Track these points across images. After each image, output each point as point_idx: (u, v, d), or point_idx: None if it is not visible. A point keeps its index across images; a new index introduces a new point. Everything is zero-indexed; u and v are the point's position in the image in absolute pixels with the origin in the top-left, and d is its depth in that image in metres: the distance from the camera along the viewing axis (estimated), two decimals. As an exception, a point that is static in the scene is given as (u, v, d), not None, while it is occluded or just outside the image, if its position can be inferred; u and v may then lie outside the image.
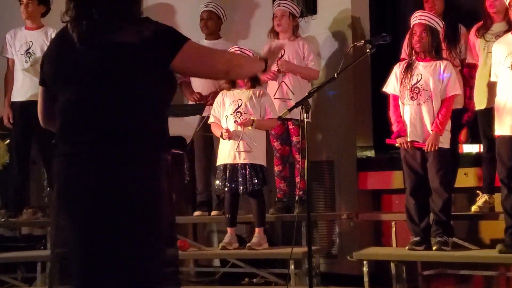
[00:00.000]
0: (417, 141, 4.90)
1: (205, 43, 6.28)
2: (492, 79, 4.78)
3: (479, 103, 5.08)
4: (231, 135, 5.32)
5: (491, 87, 4.85)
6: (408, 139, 4.91)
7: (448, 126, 4.92)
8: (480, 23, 5.18)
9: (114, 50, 2.49)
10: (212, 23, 6.28)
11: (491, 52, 4.88)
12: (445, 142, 4.89)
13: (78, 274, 2.48)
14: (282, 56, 5.85)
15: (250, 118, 5.32)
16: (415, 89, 4.92)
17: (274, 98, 5.66)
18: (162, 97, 2.58)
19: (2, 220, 6.07)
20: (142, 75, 2.50)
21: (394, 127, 5.00)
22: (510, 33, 4.78)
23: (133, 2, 2.62)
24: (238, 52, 5.41)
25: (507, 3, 4.75)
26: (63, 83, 2.57)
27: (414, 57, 4.99)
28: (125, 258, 2.46)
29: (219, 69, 2.61)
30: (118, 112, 2.49)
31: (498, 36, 4.94)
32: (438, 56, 4.95)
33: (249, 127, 5.30)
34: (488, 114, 4.92)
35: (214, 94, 5.90)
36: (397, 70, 5.05)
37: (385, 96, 5.23)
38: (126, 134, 2.49)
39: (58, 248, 2.57)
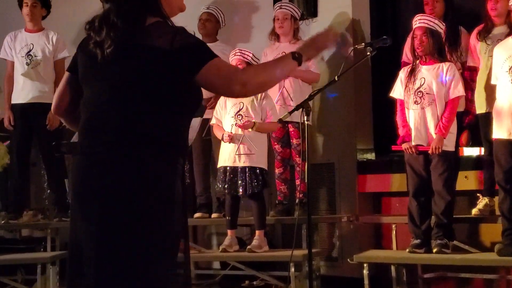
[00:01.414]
0: (422, 145, 4.90)
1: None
2: (493, 82, 4.79)
3: (480, 107, 5.09)
4: (232, 138, 5.32)
5: (492, 90, 4.86)
6: (413, 143, 4.91)
7: (453, 128, 4.92)
8: (481, 26, 5.18)
9: (145, 53, 2.51)
10: (210, 25, 6.28)
11: (492, 56, 4.89)
12: (450, 144, 4.90)
13: (90, 274, 2.48)
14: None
15: (251, 121, 5.32)
16: (419, 93, 4.92)
17: (276, 103, 5.65)
18: (185, 105, 2.58)
19: (3, 222, 6.07)
20: (169, 81, 2.51)
21: (400, 132, 5.00)
22: (510, 37, 4.79)
23: (156, 7, 2.62)
24: (239, 54, 5.42)
25: (511, 4, 4.75)
26: (91, 80, 2.59)
27: (417, 61, 4.99)
28: (137, 260, 2.46)
29: (238, 91, 2.57)
30: (140, 115, 2.50)
31: (499, 39, 4.94)
32: (441, 58, 4.95)
33: (250, 130, 5.31)
34: (489, 117, 4.93)
35: (215, 97, 5.91)
36: (402, 74, 5.06)
37: (386, 99, 5.24)
38: (146, 138, 2.49)
39: (73, 247, 2.57)
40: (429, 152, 4.85)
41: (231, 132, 5.36)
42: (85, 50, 2.63)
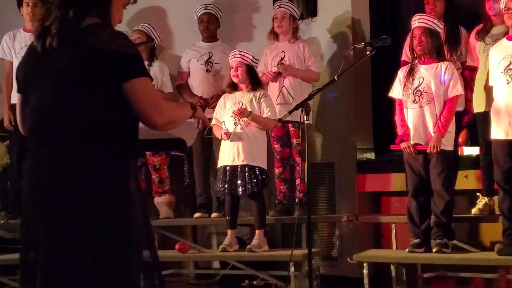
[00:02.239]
0: (420, 144, 4.90)
1: (204, 45, 6.29)
2: (490, 83, 4.81)
3: (478, 106, 5.09)
4: (229, 135, 5.33)
5: (489, 91, 4.86)
6: (412, 142, 4.91)
7: (452, 128, 4.92)
8: (480, 25, 5.18)
9: (83, 53, 2.49)
10: (213, 26, 6.28)
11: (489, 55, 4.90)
12: (448, 144, 4.90)
13: (45, 279, 2.49)
14: (282, 59, 5.86)
15: (247, 110, 5.32)
16: (417, 92, 4.92)
17: (276, 103, 5.66)
18: (128, 106, 2.55)
19: (2, 222, 6.07)
20: (108, 82, 2.50)
21: (399, 131, 5.01)
22: (505, 38, 4.79)
23: (105, 9, 2.61)
24: (238, 56, 5.41)
25: (502, 6, 4.76)
26: (33, 86, 2.58)
27: (416, 61, 4.99)
28: (91, 262, 2.46)
29: (156, 120, 2.57)
30: (85, 116, 2.49)
31: (498, 39, 4.95)
32: (440, 58, 4.95)
33: (245, 118, 5.31)
34: (487, 117, 4.93)
35: (217, 97, 5.91)
36: (401, 74, 5.06)
37: (386, 99, 5.24)
38: (93, 139, 2.49)
39: (26, 252, 2.57)
40: (428, 151, 4.85)
41: (227, 129, 5.36)
42: (24, 60, 2.63)
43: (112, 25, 2.62)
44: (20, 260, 2.59)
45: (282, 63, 5.81)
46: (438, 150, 4.81)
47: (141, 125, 2.64)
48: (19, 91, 2.71)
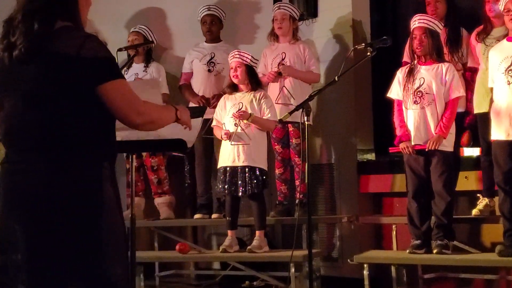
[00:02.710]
0: (420, 145, 4.90)
1: (207, 46, 6.29)
2: (490, 85, 4.81)
3: (479, 107, 5.09)
4: (229, 136, 5.33)
5: (489, 92, 4.86)
6: (412, 143, 4.90)
7: (452, 129, 4.92)
8: (480, 27, 5.18)
9: (51, 61, 2.48)
10: (216, 27, 6.28)
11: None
12: (448, 145, 4.90)
13: (23, 283, 2.49)
14: (283, 60, 5.86)
15: (248, 112, 5.32)
16: (418, 93, 4.92)
17: (276, 103, 5.66)
18: (102, 109, 2.55)
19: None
20: (80, 88, 2.49)
21: (397, 132, 5.00)
22: (505, 39, 4.79)
23: (72, 10, 2.59)
24: (237, 56, 5.41)
25: (501, 8, 4.76)
26: (6, 93, 2.58)
27: (415, 61, 4.99)
28: (67, 267, 2.47)
29: (135, 120, 2.58)
30: (56, 122, 2.48)
31: (498, 40, 4.95)
32: (439, 59, 4.95)
33: (245, 121, 5.31)
34: (488, 118, 4.93)
35: (218, 97, 5.92)
36: (400, 75, 5.05)
37: (386, 99, 5.23)
38: (64, 144, 2.49)
39: (3, 255, 2.57)
40: (426, 149, 4.84)
41: (228, 130, 5.36)
42: None
43: (82, 26, 2.60)
44: None
45: (283, 64, 5.81)
46: (437, 147, 4.81)
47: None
48: None
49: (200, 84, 6.20)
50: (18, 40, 2.52)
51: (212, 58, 6.20)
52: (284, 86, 5.79)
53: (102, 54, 2.52)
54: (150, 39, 6.27)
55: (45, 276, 2.48)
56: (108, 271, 2.51)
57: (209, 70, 6.20)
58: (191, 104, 6.10)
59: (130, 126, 2.61)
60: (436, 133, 4.84)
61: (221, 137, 5.41)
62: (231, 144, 5.35)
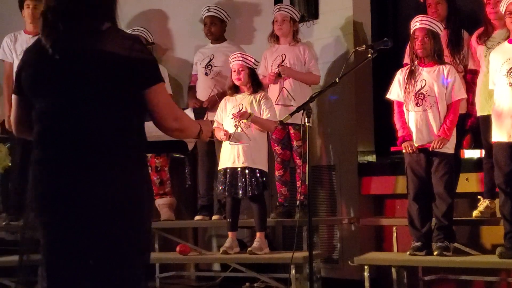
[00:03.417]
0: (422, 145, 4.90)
1: (210, 47, 6.29)
2: (490, 87, 4.81)
3: (481, 109, 5.09)
4: (229, 135, 5.33)
5: (491, 94, 4.86)
6: (415, 145, 4.90)
7: (454, 131, 4.92)
8: (481, 29, 5.18)
9: (100, 58, 2.50)
10: (216, 28, 6.28)
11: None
12: (450, 147, 4.90)
13: (56, 280, 2.55)
14: (283, 61, 5.86)
15: (247, 111, 5.32)
16: (420, 95, 4.92)
17: (276, 104, 5.66)
18: (141, 108, 2.59)
19: (4, 223, 6.07)
20: (127, 88, 2.52)
21: (400, 133, 5.00)
22: (506, 41, 4.79)
23: (115, 12, 2.63)
24: (241, 59, 5.42)
25: (502, 11, 4.76)
26: (42, 90, 2.57)
27: (416, 63, 4.99)
28: (103, 263, 2.50)
29: (171, 124, 2.64)
30: (98, 120, 2.50)
31: (499, 42, 4.94)
32: (440, 60, 4.95)
33: (245, 120, 5.31)
34: (490, 120, 4.93)
35: (210, 99, 5.94)
36: (400, 76, 5.05)
37: (387, 101, 5.23)
38: (106, 141, 2.50)
39: (33, 254, 2.59)
40: (430, 148, 4.84)
41: (227, 130, 5.37)
42: (27, 68, 2.62)
43: (117, 22, 2.63)
44: (19, 262, 2.61)
45: (282, 65, 5.81)
46: (441, 147, 4.80)
47: (148, 126, 2.66)
48: (18, 93, 2.70)
49: (199, 87, 6.23)
50: (66, 38, 2.52)
51: (210, 60, 6.21)
52: (284, 87, 5.80)
53: (150, 57, 2.59)
54: (150, 41, 6.27)
55: (80, 276, 2.51)
56: (138, 274, 2.55)
57: (205, 74, 6.20)
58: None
59: (164, 130, 2.66)
60: (439, 135, 4.83)
61: (220, 138, 5.40)
62: (230, 144, 5.35)
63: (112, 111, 2.51)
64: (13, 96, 2.73)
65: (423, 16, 5.03)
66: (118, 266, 2.50)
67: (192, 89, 6.32)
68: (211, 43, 6.32)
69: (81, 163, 2.48)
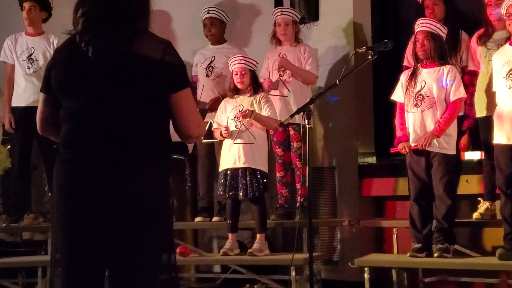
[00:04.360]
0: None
1: (210, 48, 6.29)
2: (494, 88, 4.81)
3: (480, 111, 5.09)
4: (230, 132, 5.33)
5: (492, 95, 4.86)
6: (412, 145, 4.90)
7: (454, 131, 4.92)
8: (481, 30, 5.17)
9: (133, 60, 2.52)
10: (216, 29, 6.27)
11: (492, 60, 4.90)
12: (450, 148, 4.89)
13: (82, 278, 2.53)
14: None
15: (249, 109, 5.32)
16: (419, 96, 4.92)
17: (270, 94, 5.66)
18: (167, 109, 2.61)
19: (4, 225, 6.07)
20: (157, 90, 2.55)
21: (398, 134, 5.00)
22: (508, 43, 4.79)
23: (146, 17, 2.66)
24: (243, 62, 5.42)
25: (503, 12, 4.76)
26: (73, 90, 2.58)
27: (418, 65, 4.99)
28: (134, 260, 2.52)
29: (194, 131, 2.66)
30: (128, 121, 2.52)
31: (499, 44, 4.95)
32: (442, 62, 4.95)
33: (247, 118, 5.31)
34: (489, 121, 4.93)
35: (214, 100, 5.93)
36: (403, 78, 5.06)
37: (387, 103, 5.24)
38: (135, 142, 2.52)
39: (59, 253, 2.59)
40: (419, 146, 4.83)
41: (227, 126, 5.36)
42: (57, 67, 2.63)
43: (151, 30, 2.66)
44: (52, 260, 2.63)
45: (281, 57, 5.79)
46: (428, 146, 4.79)
47: None
48: (46, 91, 2.70)
49: (200, 88, 6.21)
50: (100, 39, 2.54)
51: (211, 62, 6.20)
52: (279, 78, 5.79)
53: (180, 61, 2.62)
54: None
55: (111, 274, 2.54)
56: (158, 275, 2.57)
57: (207, 75, 6.20)
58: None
59: (186, 136, 2.67)
60: (432, 131, 4.82)
61: (221, 135, 5.39)
62: (233, 142, 5.34)
63: (142, 113, 2.54)
64: (41, 95, 2.74)
65: (425, 19, 5.04)
66: (144, 267, 2.53)
67: (192, 90, 6.32)
68: (211, 44, 6.32)
69: (111, 164, 2.50)
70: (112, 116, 2.51)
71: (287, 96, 5.75)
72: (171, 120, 2.62)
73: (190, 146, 2.94)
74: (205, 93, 6.14)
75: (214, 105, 5.87)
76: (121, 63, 2.52)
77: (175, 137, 2.92)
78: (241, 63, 5.43)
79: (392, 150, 5.12)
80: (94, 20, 2.57)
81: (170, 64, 2.55)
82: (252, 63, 5.45)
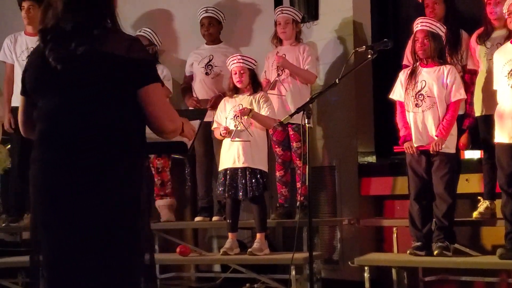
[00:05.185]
0: (422, 146, 4.90)
1: (207, 48, 6.29)
2: (494, 87, 4.81)
3: (479, 110, 5.09)
4: (229, 131, 5.32)
5: (491, 94, 4.86)
6: (415, 145, 4.90)
7: (454, 130, 4.92)
8: (481, 29, 5.17)
9: (102, 60, 2.52)
10: (214, 29, 6.27)
11: (491, 59, 4.91)
12: (451, 147, 4.89)
13: (55, 280, 2.54)
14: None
15: (248, 107, 5.32)
16: (420, 96, 4.92)
17: (270, 93, 5.67)
18: (138, 108, 2.60)
19: (3, 225, 6.07)
20: (126, 88, 2.54)
21: (401, 133, 4.99)
22: (509, 41, 4.79)
23: (114, 12, 2.65)
24: (241, 61, 5.42)
25: (505, 10, 4.76)
26: (45, 90, 2.59)
27: (417, 64, 4.99)
28: (102, 263, 2.50)
29: (167, 126, 2.64)
30: (98, 120, 2.52)
31: (499, 43, 4.95)
32: (442, 61, 4.95)
33: (246, 117, 5.31)
34: (488, 120, 4.93)
35: (216, 97, 5.93)
36: (402, 77, 5.05)
37: (387, 102, 5.24)
38: (106, 141, 2.51)
39: (37, 253, 2.60)
40: (430, 150, 4.84)
41: (227, 126, 5.36)
42: (34, 63, 2.64)
43: (118, 23, 2.65)
44: (30, 263, 2.62)
45: (280, 56, 5.79)
46: (440, 149, 4.80)
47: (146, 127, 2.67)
48: (23, 93, 2.72)
49: (198, 87, 6.21)
50: (65, 39, 2.54)
51: (210, 60, 6.20)
52: (277, 79, 5.79)
53: (148, 57, 2.62)
54: (154, 42, 6.26)
55: (77, 275, 2.52)
56: (134, 273, 2.56)
57: (206, 73, 6.20)
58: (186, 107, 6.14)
59: (159, 132, 2.65)
60: (436, 136, 4.83)
61: (220, 134, 5.39)
62: (231, 140, 5.34)
63: (111, 111, 2.53)
64: (20, 98, 2.76)
65: (424, 18, 5.04)
66: (116, 267, 2.51)
67: (186, 90, 6.30)
68: (206, 44, 6.31)
69: (80, 164, 2.49)
70: (79, 116, 2.51)
71: (284, 96, 5.75)
72: (149, 107, 2.59)
73: (189, 145, 2.93)
74: (204, 92, 6.14)
75: (216, 102, 5.87)
76: (86, 62, 2.52)
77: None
78: (240, 62, 5.43)
79: (396, 149, 5.11)
80: (58, 20, 2.58)
81: (135, 60, 2.53)
82: (250, 62, 5.45)
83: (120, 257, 2.51)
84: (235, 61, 5.46)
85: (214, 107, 5.81)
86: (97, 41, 2.53)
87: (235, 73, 5.46)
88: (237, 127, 5.36)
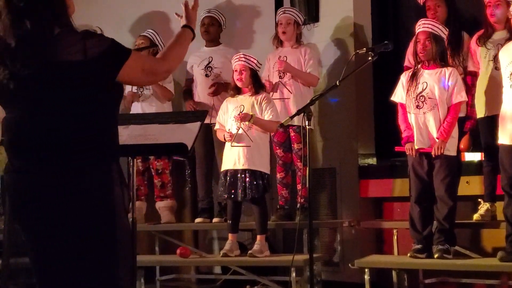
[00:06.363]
0: (423, 148, 4.89)
1: (206, 50, 6.29)
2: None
3: (480, 111, 5.09)
4: (232, 136, 5.33)
5: (492, 96, 4.85)
6: (416, 147, 4.90)
7: (455, 133, 4.92)
8: (481, 31, 5.18)
9: (57, 68, 2.48)
10: (214, 29, 6.28)
11: (492, 60, 4.92)
12: (452, 149, 4.89)
13: (43, 282, 2.55)
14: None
15: (249, 113, 5.33)
16: (421, 98, 4.92)
17: (273, 98, 5.67)
18: (108, 107, 2.59)
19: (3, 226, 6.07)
20: (88, 90, 2.51)
21: (404, 134, 4.99)
22: (511, 41, 4.79)
23: (63, 10, 2.59)
24: (243, 59, 5.42)
25: (511, 11, 4.76)
26: (4, 104, 2.58)
27: (419, 65, 4.99)
28: (79, 270, 2.50)
29: (162, 68, 2.70)
30: (63, 128, 2.50)
31: (499, 44, 4.95)
32: (443, 63, 4.95)
33: (247, 122, 5.31)
34: (489, 122, 4.93)
35: (218, 85, 6.01)
36: (404, 79, 5.05)
37: (388, 104, 5.23)
38: (73, 148, 2.49)
39: (11, 258, 2.61)
40: (432, 154, 4.83)
41: (231, 132, 5.37)
42: None
43: (71, 24, 2.59)
44: (2, 266, 2.63)
45: (282, 60, 5.80)
46: (442, 152, 4.80)
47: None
48: None
49: (199, 89, 6.22)
50: (20, 49, 2.49)
51: (209, 62, 6.21)
52: (280, 81, 5.79)
53: (105, 45, 2.53)
54: (157, 43, 6.27)
55: (54, 280, 2.52)
56: (116, 275, 2.54)
57: (206, 75, 6.20)
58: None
59: (162, 77, 2.74)
60: (437, 138, 4.83)
61: (224, 138, 5.40)
62: (231, 146, 5.35)
63: (73, 117, 2.50)
64: None
65: (426, 20, 5.04)
66: (92, 269, 2.50)
67: (189, 92, 6.31)
68: (205, 46, 6.31)
69: (45, 171, 2.49)
70: (42, 124, 2.50)
71: (288, 98, 5.75)
72: (137, 80, 2.65)
73: (189, 146, 2.93)
74: (205, 94, 6.14)
75: (218, 89, 5.91)
76: (41, 77, 2.48)
77: (174, 138, 2.91)
78: (241, 61, 5.44)
79: (397, 149, 5.11)
80: (8, 32, 2.51)
81: (98, 57, 2.48)
82: (253, 62, 5.45)
83: (96, 260, 2.50)
84: (237, 59, 5.47)
85: (216, 93, 5.88)
86: (48, 53, 2.48)
87: (236, 71, 5.46)
88: (238, 129, 5.36)
